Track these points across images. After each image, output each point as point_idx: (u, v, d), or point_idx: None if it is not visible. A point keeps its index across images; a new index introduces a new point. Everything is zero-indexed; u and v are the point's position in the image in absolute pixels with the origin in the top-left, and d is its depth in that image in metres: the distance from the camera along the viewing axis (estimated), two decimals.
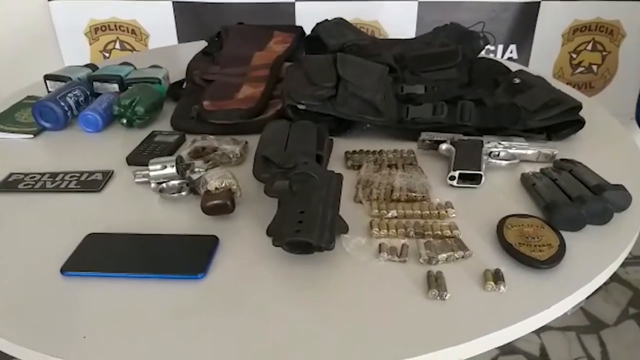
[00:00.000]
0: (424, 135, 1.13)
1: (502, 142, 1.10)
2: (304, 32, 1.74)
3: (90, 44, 2.37)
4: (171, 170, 0.96)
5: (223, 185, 0.91)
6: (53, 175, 1.05)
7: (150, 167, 0.97)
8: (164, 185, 0.98)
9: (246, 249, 0.85)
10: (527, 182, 1.00)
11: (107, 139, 1.24)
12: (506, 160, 1.08)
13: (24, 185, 1.03)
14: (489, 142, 1.10)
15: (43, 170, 1.08)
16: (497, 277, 0.78)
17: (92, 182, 1.03)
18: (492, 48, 2.26)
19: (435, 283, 0.77)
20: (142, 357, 0.67)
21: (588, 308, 2.10)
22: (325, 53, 1.34)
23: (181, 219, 0.93)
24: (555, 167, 1.06)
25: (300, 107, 1.17)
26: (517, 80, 1.28)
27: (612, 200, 0.92)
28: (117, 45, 2.37)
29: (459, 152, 1.06)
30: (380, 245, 0.84)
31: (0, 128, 1.25)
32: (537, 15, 2.29)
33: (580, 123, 1.17)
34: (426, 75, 1.45)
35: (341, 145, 1.18)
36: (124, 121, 1.25)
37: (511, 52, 2.39)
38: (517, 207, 0.95)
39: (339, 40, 1.60)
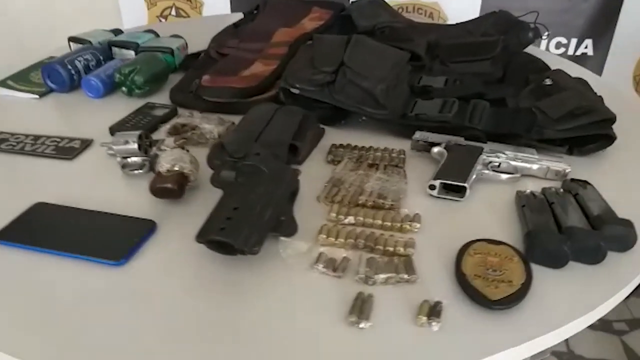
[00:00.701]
0: (418, 135, 1.02)
1: (507, 152, 0.96)
2: (343, 9, 1.64)
3: (148, 9, 2.40)
4: (133, 146, 0.93)
5: (175, 168, 0.86)
6: (36, 138, 1.06)
7: (113, 141, 0.94)
8: (128, 160, 0.95)
9: (181, 239, 0.80)
10: (518, 203, 0.87)
11: (107, 106, 1.24)
12: (507, 173, 0.95)
13: (6, 145, 1.04)
14: (490, 151, 0.97)
15: (32, 132, 1.08)
16: (433, 311, 0.67)
17: (68, 150, 1.03)
18: (545, 39, 2.01)
19: (359, 308, 0.68)
20: (38, 334, 0.65)
21: (631, 343, 1.87)
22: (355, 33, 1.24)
23: (135, 198, 0.90)
24: (563, 188, 0.91)
25: (294, 90, 1.09)
26: (548, 82, 1.11)
27: (612, 236, 0.77)
28: (173, 12, 2.38)
29: (449, 158, 0.94)
30: (319, 254, 0.76)
31: (11, 85, 1.28)
32: (620, 8, 2.02)
33: (609, 139, 1.00)
34: (456, 67, 1.32)
35: (333, 136, 1.09)
36: (124, 89, 1.23)
37: (586, 47, 2.13)
38: (498, 231, 0.83)
39: (371, 21, 1.49)
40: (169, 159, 0.87)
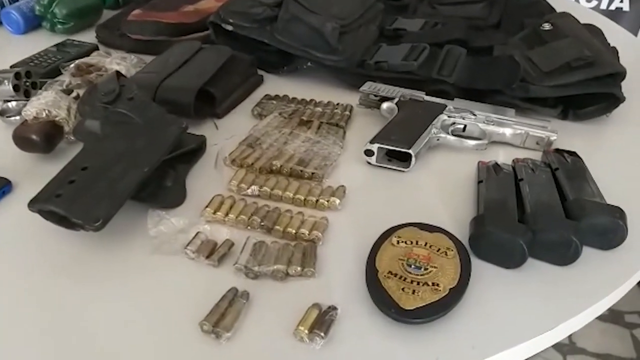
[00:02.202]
0: (367, 87, 0.81)
1: (476, 112, 0.75)
2: None
3: None
4: (7, 87, 0.75)
5: (43, 115, 0.68)
6: None
7: None
8: (8, 105, 0.78)
9: None
10: (476, 178, 0.67)
11: (28, 43, 1.06)
12: (474, 139, 0.74)
13: None
14: (455, 110, 0.76)
15: None
16: (321, 321, 0.49)
17: None
18: None
19: (221, 312, 0.50)
20: None
21: None
22: None
23: (5, 150, 0.73)
24: (542, 160, 0.70)
25: (226, 27, 0.89)
26: (547, 27, 0.89)
27: (592, 229, 0.56)
28: None
29: (398, 117, 0.74)
30: (196, 234, 0.58)
31: None
32: None
33: (615, 100, 0.78)
34: (443, 9, 1.09)
35: (272, 86, 0.90)
36: (46, 24, 1.06)
37: (621, 1, 1.85)
38: (444, 214, 0.63)
39: None
40: (37, 104, 0.69)
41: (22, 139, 0.67)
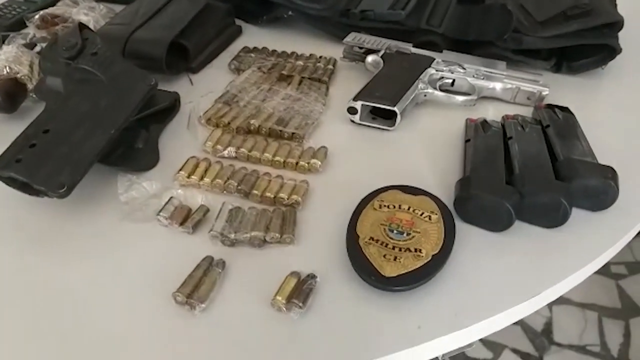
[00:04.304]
0: (351, 38, 0.76)
1: (465, 66, 0.71)
2: None
3: None
4: None
5: (5, 72, 0.64)
6: None
7: None
8: None
9: None
10: (464, 137, 0.64)
11: None
12: (462, 94, 0.70)
13: None
14: (443, 63, 0.72)
15: None
16: (299, 290, 0.47)
17: None
18: None
19: (196, 282, 0.47)
20: None
21: (628, 288, 1.68)
22: None
23: None
24: (533, 116, 0.67)
25: None
26: None
27: (582, 190, 0.54)
28: None
29: (384, 72, 0.70)
30: (169, 200, 0.55)
31: None
32: None
33: (611, 51, 0.74)
34: None
35: (250, 38, 0.85)
36: None
37: None
38: (430, 176, 0.60)
39: None
40: None
41: None
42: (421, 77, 0.69)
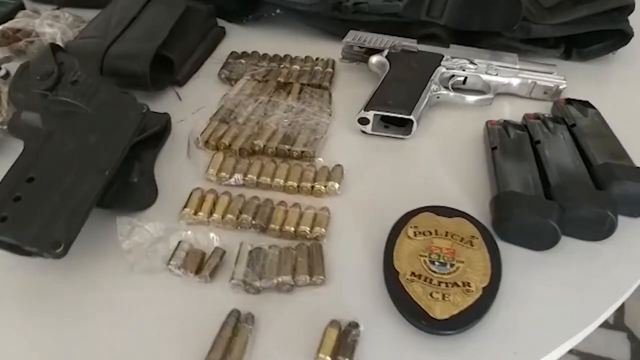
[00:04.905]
0: (351, 37, 0.70)
1: (476, 61, 0.67)
2: None
3: None
4: None
5: None
6: None
7: None
8: None
9: None
10: (487, 143, 0.59)
11: None
12: (476, 93, 0.66)
13: None
14: (452, 60, 0.67)
15: None
16: (343, 344, 0.42)
17: None
18: None
19: (226, 344, 0.42)
20: None
21: None
22: None
23: None
24: (553, 113, 0.63)
25: None
26: None
27: (623, 198, 0.50)
28: None
29: (392, 75, 0.64)
30: (178, 244, 0.49)
31: None
32: None
33: (623, 36, 0.70)
34: None
35: (235, 40, 0.78)
36: None
37: None
38: (458, 189, 0.56)
39: None
40: None
41: None
42: (432, 77, 0.64)
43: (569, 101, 0.63)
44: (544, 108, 0.65)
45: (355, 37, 0.70)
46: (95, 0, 0.80)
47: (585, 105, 0.62)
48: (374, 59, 0.67)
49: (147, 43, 0.65)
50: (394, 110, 0.59)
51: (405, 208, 0.51)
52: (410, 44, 0.68)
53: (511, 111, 0.65)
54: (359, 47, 0.70)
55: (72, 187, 0.47)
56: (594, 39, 0.71)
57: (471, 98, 0.65)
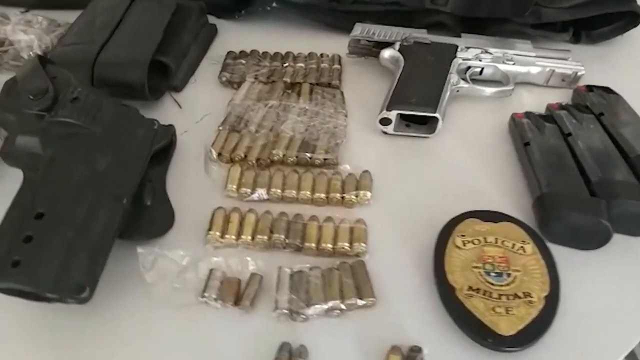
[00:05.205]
0: (359, 30, 0.66)
1: (490, 50, 0.64)
2: None
3: None
4: None
5: None
6: None
7: None
8: None
9: None
10: (517, 138, 0.57)
11: None
12: (494, 84, 0.63)
13: None
14: (466, 50, 0.64)
15: None
16: None
17: None
18: None
19: None
20: None
21: None
22: None
23: None
24: (574, 102, 0.61)
25: None
26: None
27: None
28: None
29: (409, 70, 0.61)
30: (210, 273, 0.45)
31: None
32: None
33: (634, 17, 0.69)
34: None
35: (228, 38, 0.72)
36: None
37: None
38: (488, 187, 0.53)
39: None
40: None
41: None
42: (450, 70, 0.61)
43: (590, 88, 0.61)
44: (563, 96, 0.63)
45: (363, 30, 0.66)
46: (69, 1, 0.74)
47: (606, 91, 0.60)
48: (386, 53, 0.63)
49: (140, 48, 0.59)
50: (419, 108, 0.56)
51: (443, 214, 0.48)
52: (421, 35, 0.65)
53: (530, 101, 0.63)
54: (367, 40, 0.66)
55: (87, 220, 0.41)
56: (603, 21, 0.70)
57: (490, 90, 0.62)
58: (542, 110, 0.60)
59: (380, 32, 0.65)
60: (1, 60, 0.64)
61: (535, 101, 0.62)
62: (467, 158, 0.57)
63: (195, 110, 0.61)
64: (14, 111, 0.47)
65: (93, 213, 0.42)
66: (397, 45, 0.63)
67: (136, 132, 0.47)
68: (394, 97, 0.57)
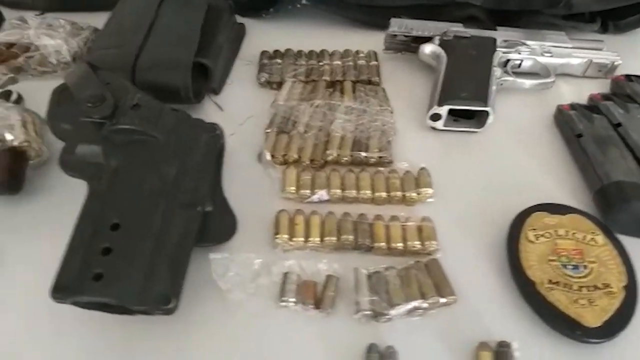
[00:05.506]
0: (396, 25, 0.66)
1: (527, 42, 0.64)
2: None
3: None
4: None
5: None
6: None
7: None
8: None
9: (30, 276, 0.44)
10: (567, 130, 0.57)
11: None
12: (534, 76, 0.63)
13: None
14: (505, 42, 0.64)
15: None
16: None
17: None
18: None
19: None
20: None
21: None
22: None
23: None
24: (613, 91, 0.62)
25: None
26: None
27: None
28: None
29: (453, 65, 0.60)
30: (285, 276, 0.44)
31: None
32: None
33: None
34: None
35: (258, 37, 0.71)
36: None
37: None
38: (545, 180, 0.53)
39: None
40: None
41: None
42: (493, 63, 0.61)
43: (629, 77, 0.62)
44: (600, 86, 0.63)
45: (401, 25, 0.65)
46: (84, 3, 0.72)
47: None
48: (427, 48, 0.63)
49: (180, 50, 0.58)
50: (470, 103, 0.55)
51: (505, 208, 0.49)
52: (459, 28, 0.65)
53: (569, 93, 0.63)
54: (405, 36, 0.65)
55: (163, 229, 0.40)
56: (630, 11, 0.70)
57: (531, 82, 0.62)
58: (581, 101, 0.61)
59: (417, 27, 0.65)
60: (27, 66, 0.62)
61: (574, 92, 0.62)
62: (517, 151, 0.57)
63: (236, 113, 0.60)
64: (69, 120, 0.45)
65: (168, 222, 0.41)
66: (436, 40, 0.63)
67: (200, 137, 0.46)
68: (444, 93, 0.57)
